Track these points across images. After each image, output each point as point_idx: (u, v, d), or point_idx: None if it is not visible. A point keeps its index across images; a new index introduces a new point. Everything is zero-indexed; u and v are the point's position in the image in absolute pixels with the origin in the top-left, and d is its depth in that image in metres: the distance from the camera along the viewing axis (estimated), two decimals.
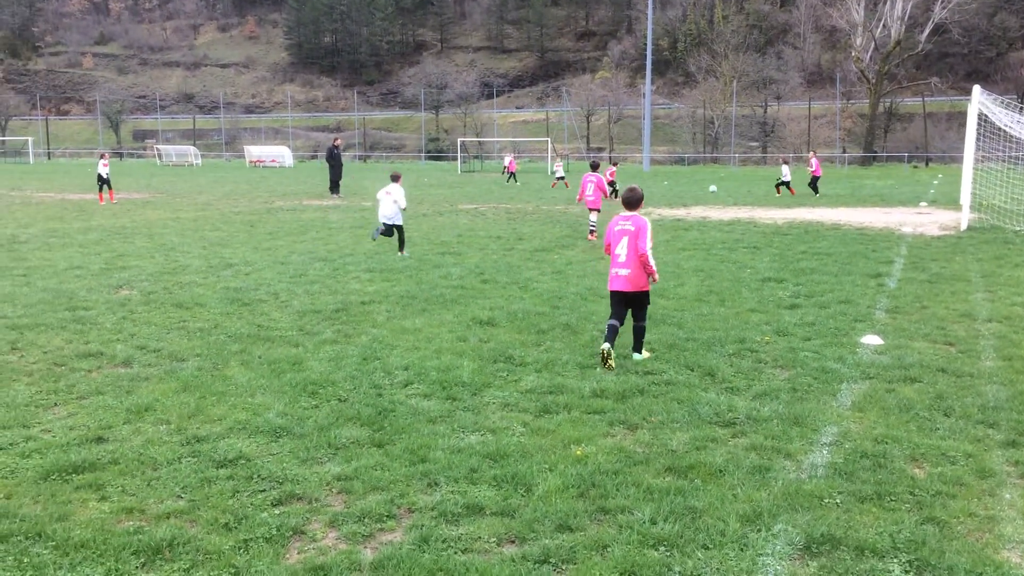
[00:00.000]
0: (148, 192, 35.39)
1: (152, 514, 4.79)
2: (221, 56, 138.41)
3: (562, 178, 40.91)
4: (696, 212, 25.00)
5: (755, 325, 9.60)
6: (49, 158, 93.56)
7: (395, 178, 15.64)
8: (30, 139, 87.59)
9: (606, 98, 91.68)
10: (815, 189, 31.95)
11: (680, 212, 24.99)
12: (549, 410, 6.62)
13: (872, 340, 8.80)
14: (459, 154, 66.52)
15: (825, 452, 5.72)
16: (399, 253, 15.45)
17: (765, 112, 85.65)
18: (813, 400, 6.87)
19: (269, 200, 30.77)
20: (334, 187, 32.79)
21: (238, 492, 5.09)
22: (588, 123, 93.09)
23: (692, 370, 7.72)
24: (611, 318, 8.06)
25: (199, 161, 78.42)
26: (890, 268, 13.93)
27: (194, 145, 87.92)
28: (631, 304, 8.10)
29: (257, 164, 74.66)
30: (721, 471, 5.36)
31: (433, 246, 17.02)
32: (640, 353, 8.12)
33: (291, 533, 4.58)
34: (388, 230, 15.41)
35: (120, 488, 5.14)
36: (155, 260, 14.92)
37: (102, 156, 28.21)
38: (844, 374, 7.61)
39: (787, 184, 32.56)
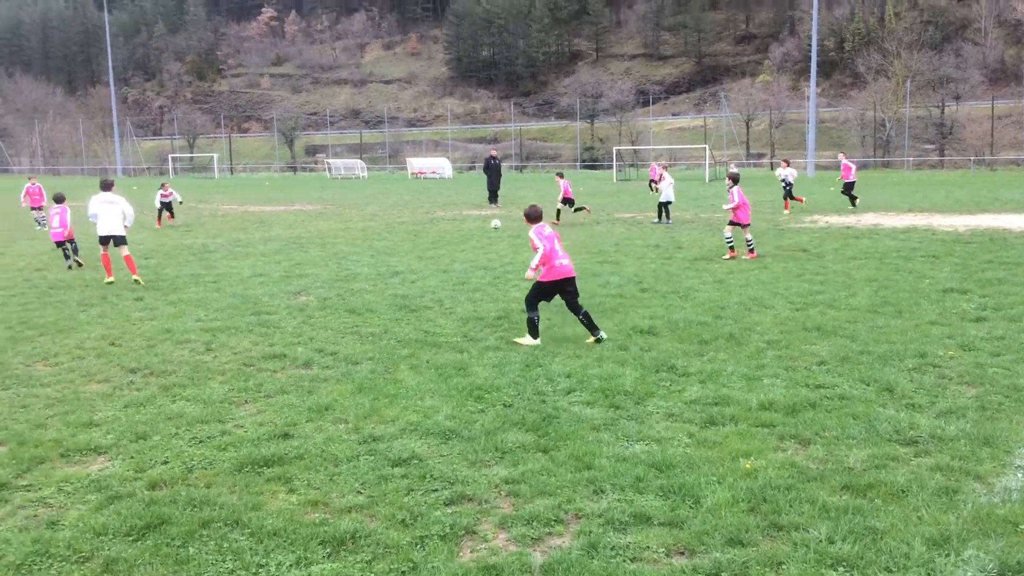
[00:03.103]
0: (320, 204, 37.35)
1: (335, 507, 5.07)
2: (385, 73, 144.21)
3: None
4: (867, 219, 23.83)
5: (936, 339, 9.05)
6: (232, 173, 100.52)
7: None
8: (215, 155, 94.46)
9: (767, 102, 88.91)
10: (851, 198, 27.86)
11: (850, 219, 23.89)
12: (715, 421, 6.51)
13: None
14: (615, 163, 66.33)
15: (1020, 475, 5.33)
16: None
17: (942, 113, 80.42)
18: (1004, 419, 6.41)
19: (431, 210, 31.78)
20: (492, 197, 33.49)
21: (412, 490, 5.31)
22: (748, 129, 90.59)
23: (868, 384, 7.38)
24: (535, 311, 9.29)
25: (365, 174, 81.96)
26: None
27: (361, 158, 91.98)
28: (570, 288, 9.33)
29: (419, 176, 77.21)
30: (903, 491, 5.10)
31: (591, 255, 17.06)
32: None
33: (463, 532, 4.73)
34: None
35: (306, 482, 5.48)
36: (328, 268, 15.74)
37: (163, 186, 26.44)
38: None
39: (789, 191, 27.54)
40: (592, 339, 9.26)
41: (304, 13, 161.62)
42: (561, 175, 26.29)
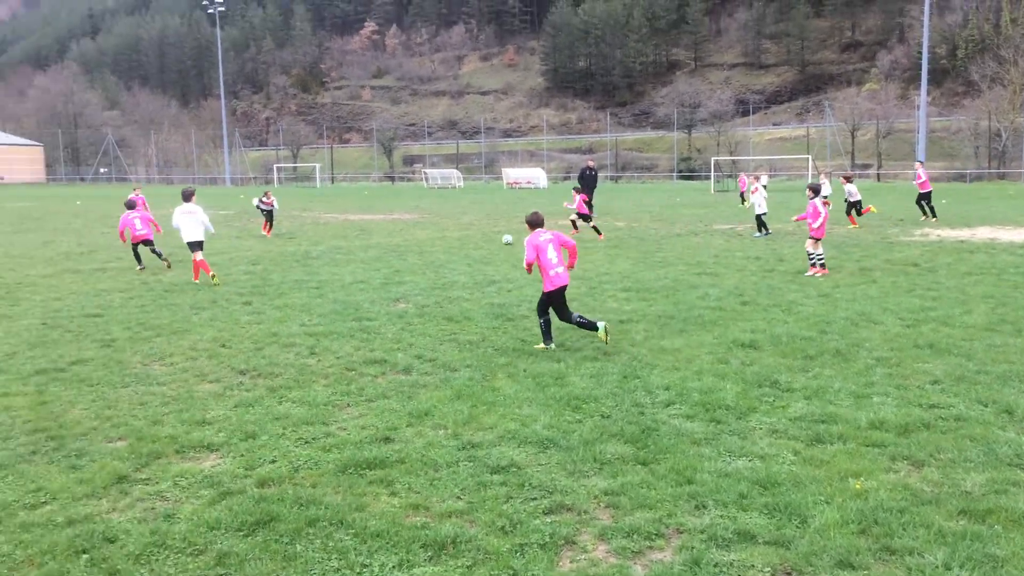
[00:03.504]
0: (417, 213, 38.01)
1: (436, 512, 5.14)
2: (482, 84, 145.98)
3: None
4: (982, 233, 22.75)
5: None
6: (333, 182, 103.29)
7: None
8: (317, 165, 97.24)
9: (874, 111, 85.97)
10: (922, 208, 26.78)
11: (963, 233, 22.86)
12: (822, 439, 6.31)
13: None
14: (712, 173, 65.32)
15: None
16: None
17: None
18: None
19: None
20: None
21: (511, 498, 5.33)
22: (853, 139, 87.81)
23: (985, 406, 7.03)
24: (545, 316, 9.64)
25: (461, 183, 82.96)
26: None
27: (457, 168, 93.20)
28: (562, 298, 9.65)
29: (514, 186, 77.72)
30: None
31: (688, 266, 16.83)
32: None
33: (563, 542, 4.72)
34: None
35: (407, 485, 5.56)
36: (426, 276, 15.99)
37: (265, 194, 26.57)
38: None
39: (857, 207, 25.50)
40: (541, 345, 9.67)
41: (405, 26, 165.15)
42: (578, 189, 24.97)
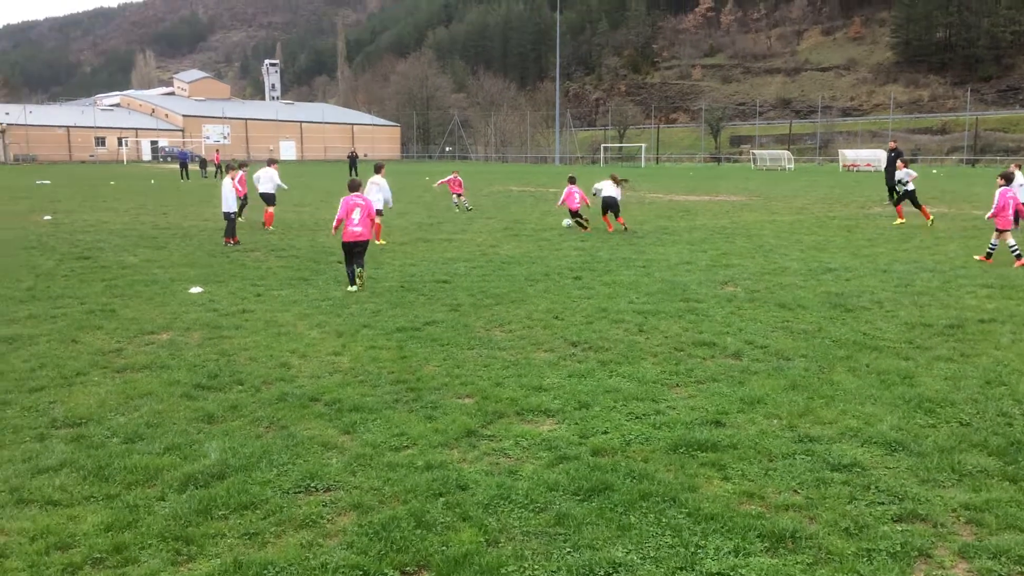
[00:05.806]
0: (745, 195, 36.93)
1: (771, 503, 4.97)
2: (822, 60, 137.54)
3: None
4: None
5: None
6: (657, 162, 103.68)
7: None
8: (643, 145, 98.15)
9: None
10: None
11: None
12: None
13: None
14: None
15: None
16: None
17: None
18: None
19: (866, 205, 29.75)
20: (889, 194, 30.57)
21: (855, 499, 5.01)
22: None
23: None
24: (349, 265, 12.38)
25: (791, 165, 79.20)
26: None
27: (787, 149, 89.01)
28: (360, 250, 12.30)
29: (851, 168, 72.67)
30: None
31: None
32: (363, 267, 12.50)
33: (916, 554, 4.35)
34: None
35: (740, 472, 5.44)
36: (755, 260, 15.48)
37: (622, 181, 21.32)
38: None
39: (908, 195, 21.96)
40: (355, 286, 12.20)
41: (742, 2, 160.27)
42: (573, 179, 21.66)
